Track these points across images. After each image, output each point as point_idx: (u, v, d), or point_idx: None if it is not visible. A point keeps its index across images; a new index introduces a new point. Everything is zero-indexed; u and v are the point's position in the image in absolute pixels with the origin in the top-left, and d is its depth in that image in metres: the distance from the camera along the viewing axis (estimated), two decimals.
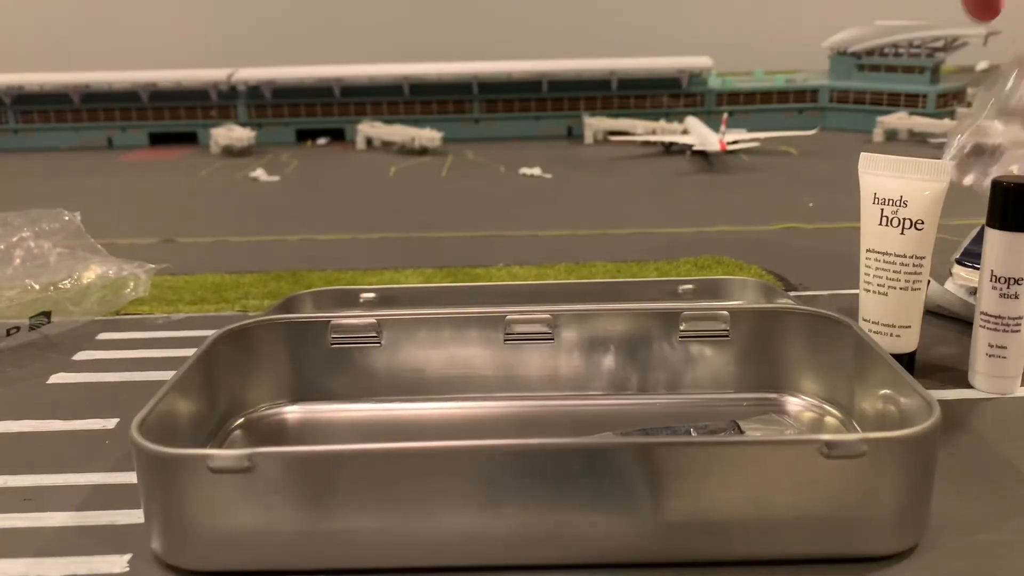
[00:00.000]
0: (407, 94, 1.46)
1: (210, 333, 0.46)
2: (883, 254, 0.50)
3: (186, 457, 0.34)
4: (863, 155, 0.51)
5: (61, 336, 0.62)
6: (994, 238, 0.48)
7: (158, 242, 0.88)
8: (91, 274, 0.67)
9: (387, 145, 1.39)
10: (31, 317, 0.61)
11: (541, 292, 0.61)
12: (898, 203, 0.49)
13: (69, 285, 0.65)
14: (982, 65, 2.01)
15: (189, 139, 1.46)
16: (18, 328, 0.61)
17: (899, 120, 1.35)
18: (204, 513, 0.34)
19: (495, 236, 0.87)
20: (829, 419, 0.46)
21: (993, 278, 0.48)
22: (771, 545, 0.35)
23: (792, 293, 0.67)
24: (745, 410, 0.46)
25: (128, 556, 0.37)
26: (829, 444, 0.33)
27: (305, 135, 1.46)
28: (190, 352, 0.43)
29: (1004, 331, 0.48)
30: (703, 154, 1.22)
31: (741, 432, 0.40)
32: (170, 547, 0.35)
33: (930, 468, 0.35)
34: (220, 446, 0.44)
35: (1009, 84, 0.35)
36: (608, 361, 0.49)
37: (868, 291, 0.51)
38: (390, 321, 0.48)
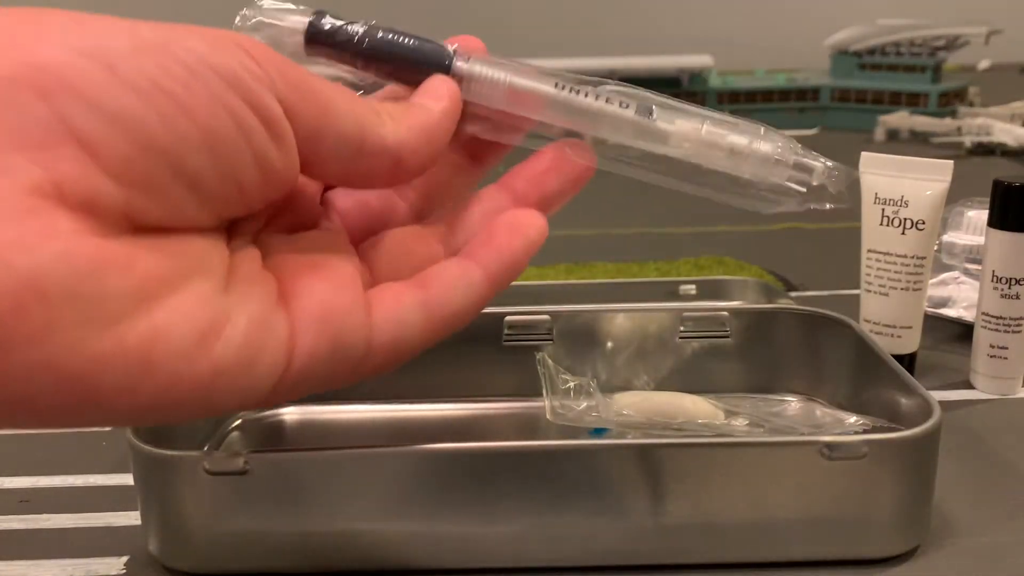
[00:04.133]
0: None
1: None
2: (884, 254, 0.50)
3: (182, 459, 0.34)
4: (864, 155, 0.51)
5: None
6: (995, 238, 0.48)
7: None
8: None
9: None
10: None
11: (541, 292, 0.61)
12: (899, 203, 0.49)
13: None
14: (984, 64, 2.01)
15: None
16: None
17: (900, 119, 1.35)
18: (201, 515, 0.34)
19: None
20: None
21: (994, 278, 0.48)
22: (771, 547, 0.34)
23: (793, 293, 0.67)
24: None
25: (125, 558, 0.36)
26: (830, 445, 0.33)
27: None
28: None
29: (1005, 332, 0.48)
30: None
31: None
32: (167, 549, 0.35)
33: (931, 469, 0.35)
34: (217, 448, 0.44)
35: None
36: (608, 362, 0.48)
37: (869, 291, 0.51)
38: None
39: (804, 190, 0.28)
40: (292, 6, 0.26)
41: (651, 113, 0.27)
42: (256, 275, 0.23)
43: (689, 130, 0.27)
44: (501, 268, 0.26)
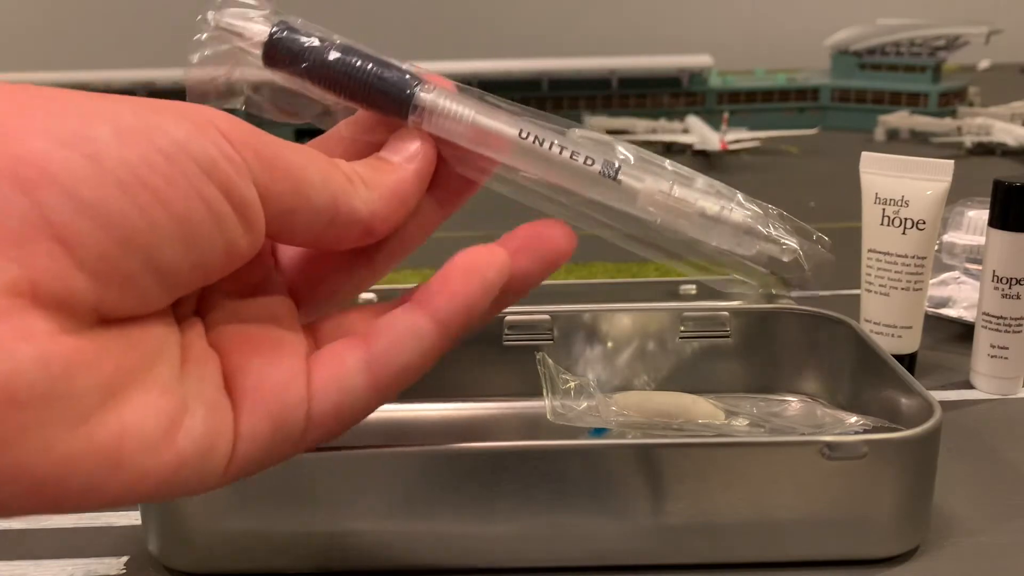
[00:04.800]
0: None
1: None
2: (884, 254, 0.50)
3: None
4: (864, 155, 0.51)
5: None
6: (995, 238, 0.48)
7: None
8: None
9: None
10: None
11: (541, 292, 0.61)
12: (899, 203, 0.49)
13: None
14: (984, 64, 2.01)
15: None
16: None
17: (900, 119, 1.35)
18: (200, 515, 0.34)
19: (494, 236, 0.86)
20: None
21: (995, 278, 0.48)
22: (771, 547, 0.34)
23: (793, 293, 0.67)
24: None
25: (125, 558, 0.36)
26: (830, 445, 0.33)
27: (302, 135, 1.46)
28: None
29: (1006, 332, 0.48)
30: (704, 153, 1.22)
31: None
32: (167, 549, 0.35)
33: (931, 469, 0.35)
34: None
35: None
36: (608, 362, 0.48)
37: (870, 291, 0.51)
38: None
39: (767, 271, 0.27)
40: (255, 10, 0.25)
41: (616, 174, 0.26)
42: (204, 354, 0.22)
43: (656, 191, 0.26)
44: (453, 316, 0.24)
